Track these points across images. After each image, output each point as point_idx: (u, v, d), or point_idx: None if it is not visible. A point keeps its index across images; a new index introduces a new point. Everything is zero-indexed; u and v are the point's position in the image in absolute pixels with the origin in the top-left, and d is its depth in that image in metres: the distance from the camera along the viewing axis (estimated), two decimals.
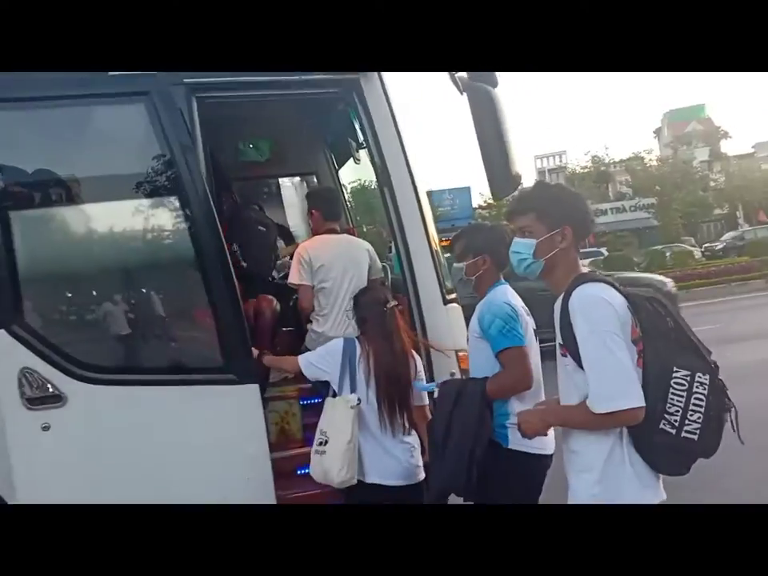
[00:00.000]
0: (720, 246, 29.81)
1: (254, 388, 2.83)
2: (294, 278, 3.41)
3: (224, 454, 2.77)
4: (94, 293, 2.83)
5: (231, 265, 2.80)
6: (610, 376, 1.74)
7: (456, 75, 2.93)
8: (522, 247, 1.98)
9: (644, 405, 1.72)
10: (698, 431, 1.72)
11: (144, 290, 2.91)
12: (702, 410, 1.73)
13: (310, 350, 3.09)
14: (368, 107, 3.09)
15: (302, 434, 3.65)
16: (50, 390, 2.62)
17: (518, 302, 2.61)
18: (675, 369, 1.75)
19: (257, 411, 2.83)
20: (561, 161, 53.67)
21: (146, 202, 2.82)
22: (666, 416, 1.73)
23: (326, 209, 3.58)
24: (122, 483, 2.66)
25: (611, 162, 37.65)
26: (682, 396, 1.73)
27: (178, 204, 2.78)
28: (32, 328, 2.62)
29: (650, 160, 36.86)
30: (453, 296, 3.36)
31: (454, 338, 3.30)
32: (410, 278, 3.18)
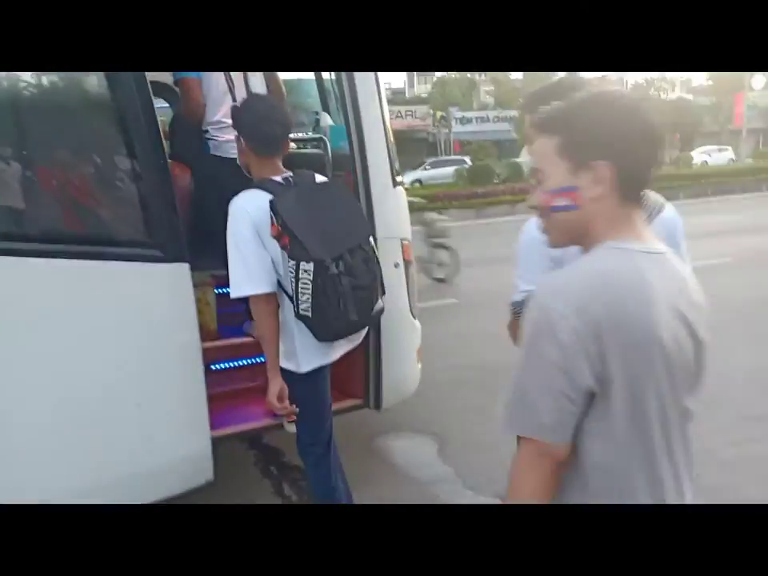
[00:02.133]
0: None
1: (183, 267, 2.41)
2: None
3: (148, 343, 2.37)
4: None
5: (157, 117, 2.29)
6: (235, 269, 2.17)
7: None
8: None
9: (268, 290, 2.18)
10: (309, 309, 2.15)
11: (54, 150, 2.30)
12: (310, 291, 2.14)
13: None
14: None
15: (216, 326, 3.32)
16: None
17: None
18: (289, 260, 2.14)
19: (186, 295, 2.43)
20: None
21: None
22: (293, 299, 2.19)
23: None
24: (10, 378, 2.17)
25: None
26: (294, 282, 2.15)
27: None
28: None
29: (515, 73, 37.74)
30: (400, 179, 3.09)
31: (401, 224, 3.07)
32: (360, 154, 2.85)
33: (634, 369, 1.07)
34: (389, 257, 2.92)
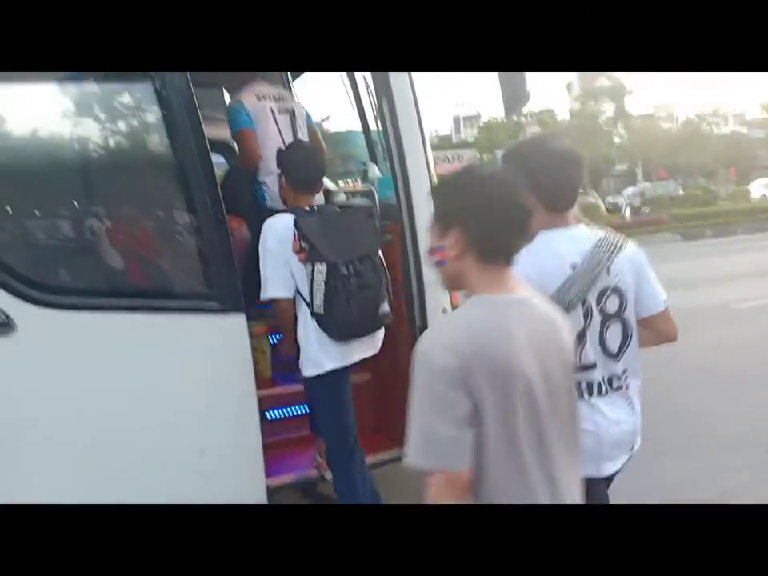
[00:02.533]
0: (622, 200, 31.37)
1: (240, 318, 2.50)
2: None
3: (207, 392, 2.45)
4: (59, 205, 2.35)
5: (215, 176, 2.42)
6: (262, 276, 2.61)
7: None
8: None
9: (283, 295, 2.61)
10: (322, 306, 2.50)
11: (113, 200, 2.46)
12: (323, 290, 2.49)
13: None
14: None
15: (271, 374, 3.39)
16: None
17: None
18: (306, 264, 2.53)
19: (243, 344, 2.51)
20: (476, 110, 54.04)
21: (117, 92, 2.34)
22: (310, 302, 2.54)
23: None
24: (80, 427, 2.28)
25: (524, 113, 38.19)
26: (310, 283, 2.52)
27: (155, 98, 2.33)
28: None
29: (561, 113, 37.83)
30: None
31: None
32: (407, 202, 2.92)
33: (501, 398, 1.28)
34: (437, 302, 2.95)
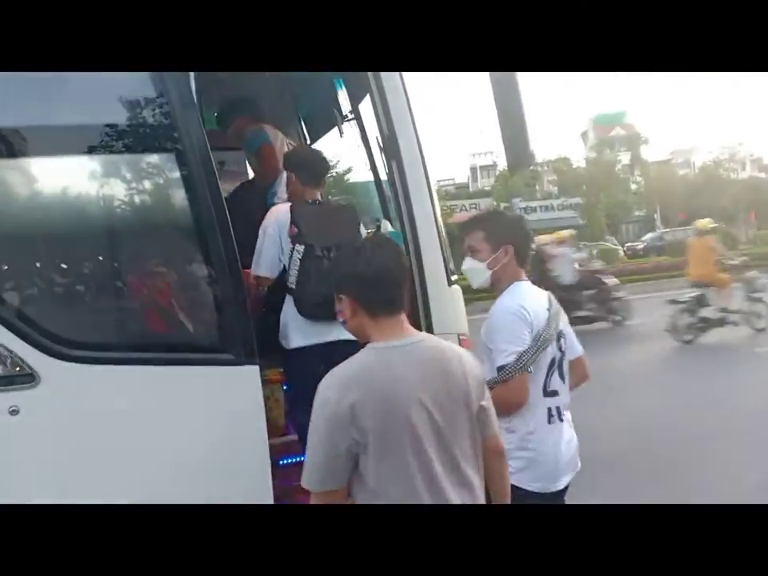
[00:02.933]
0: (641, 246, 31.30)
1: (254, 370, 2.58)
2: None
3: (221, 442, 2.52)
4: (77, 259, 2.49)
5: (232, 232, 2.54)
6: (257, 253, 2.93)
7: None
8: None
9: (265, 274, 2.91)
10: (294, 283, 2.80)
11: (133, 258, 2.59)
12: (297, 267, 2.77)
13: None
14: (379, 74, 2.91)
15: (285, 421, 3.44)
16: (22, 368, 2.28)
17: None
18: (290, 244, 2.82)
19: (257, 395, 2.58)
20: (492, 159, 54.73)
21: (139, 156, 2.50)
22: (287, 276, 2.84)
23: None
24: (101, 475, 2.35)
25: (540, 162, 38.67)
26: (289, 261, 2.82)
27: (175, 161, 2.48)
28: (4, 300, 2.28)
29: (577, 161, 38.21)
30: (455, 277, 3.23)
31: (457, 321, 3.18)
32: (416, 256, 3.02)
33: (386, 432, 1.57)
34: None
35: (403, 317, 1.73)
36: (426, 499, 1.57)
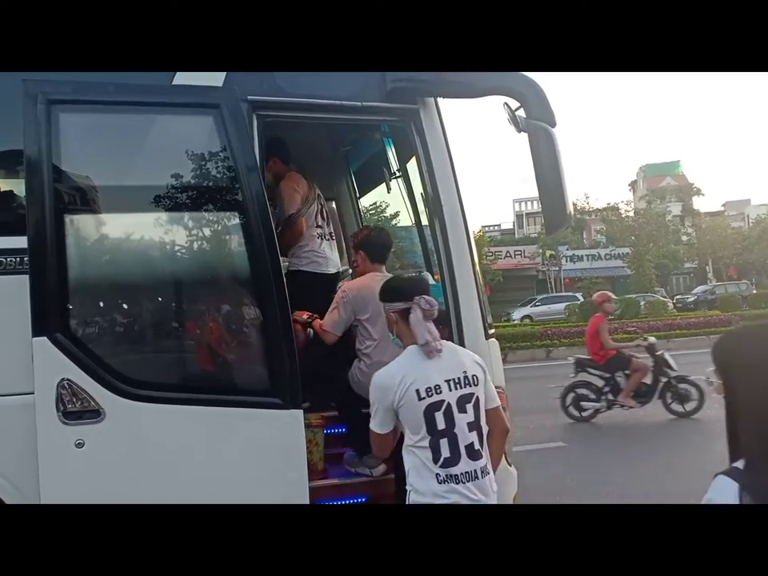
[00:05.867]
0: (692, 299, 30.54)
1: (298, 414, 2.74)
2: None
3: (264, 481, 2.66)
4: (144, 306, 2.73)
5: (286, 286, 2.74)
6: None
7: (516, 113, 2.96)
8: None
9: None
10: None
11: (195, 307, 2.82)
12: None
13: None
14: (425, 138, 3.10)
15: (324, 465, 3.56)
16: (90, 404, 2.50)
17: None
18: None
19: (299, 438, 2.74)
20: (538, 206, 54.55)
21: (204, 215, 2.75)
22: None
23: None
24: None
25: (588, 210, 38.52)
26: None
27: (238, 219, 2.72)
28: (77, 337, 2.51)
29: (626, 211, 37.83)
30: (492, 331, 3.35)
31: (494, 373, 3.27)
32: (455, 310, 3.15)
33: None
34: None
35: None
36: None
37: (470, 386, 2.44)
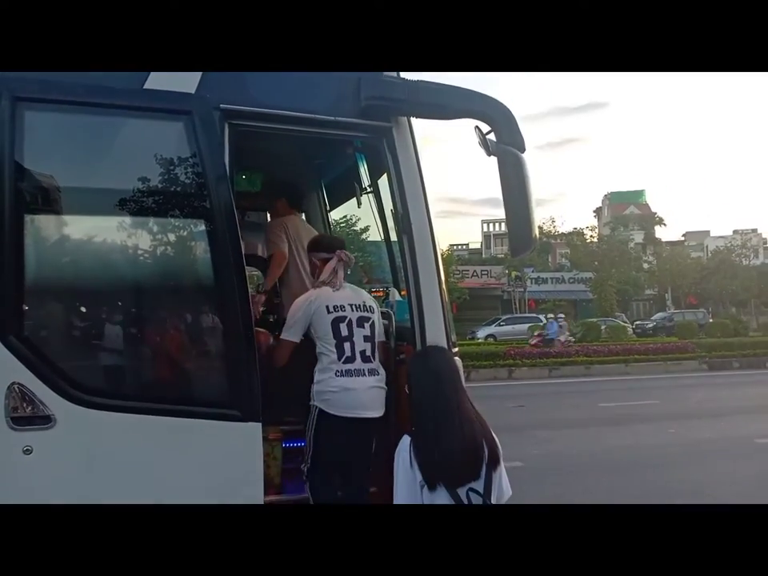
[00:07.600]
0: (651, 325, 31.26)
1: (257, 427, 2.70)
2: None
3: (219, 495, 2.61)
4: (102, 312, 2.66)
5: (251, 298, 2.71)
6: None
7: (487, 137, 3.01)
8: None
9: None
10: None
11: (155, 315, 2.76)
12: None
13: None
14: (397, 156, 3.12)
15: (280, 480, 3.51)
16: (40, 409, 2.42)
17: None
18: None
19: (256, 452, 2.69)
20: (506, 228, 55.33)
21: (169, 221, 2.71)
22: None
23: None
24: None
25: (554, 233, 39.20)
26: None
27: (204, 227, 2.68)
28: (30, 341, 2.43)
29: (591, 237, 38.61)
30: (456, 349, 3.36)
31: None
32: (419, 326, 3.15)
33: None
34: None
35: None
36: None
37: (367, 312, 3.29)
